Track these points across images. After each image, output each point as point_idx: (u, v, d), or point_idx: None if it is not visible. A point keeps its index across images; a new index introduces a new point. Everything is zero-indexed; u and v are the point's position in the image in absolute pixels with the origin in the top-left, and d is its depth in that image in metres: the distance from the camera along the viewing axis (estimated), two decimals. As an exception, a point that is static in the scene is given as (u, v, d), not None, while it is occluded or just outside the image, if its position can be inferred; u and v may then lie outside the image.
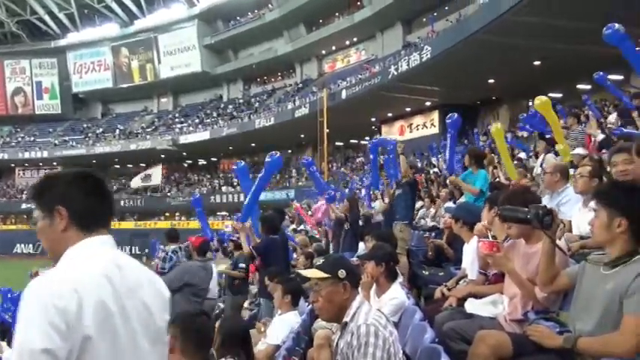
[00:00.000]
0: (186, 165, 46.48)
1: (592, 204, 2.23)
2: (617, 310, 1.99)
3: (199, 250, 6.13)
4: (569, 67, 18.49)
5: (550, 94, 22.71)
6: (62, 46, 49.12)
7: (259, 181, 5.96)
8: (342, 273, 2.35)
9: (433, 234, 6.98)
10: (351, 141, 36.46)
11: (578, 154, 6.69)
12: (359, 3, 33.69)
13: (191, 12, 44.01)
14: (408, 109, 29.25)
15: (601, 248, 2.23)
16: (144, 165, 46.87)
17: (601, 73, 8.45)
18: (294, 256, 9.47)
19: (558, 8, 14.83)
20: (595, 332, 2.07)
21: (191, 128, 41.62)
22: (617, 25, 5.42)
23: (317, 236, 11.99)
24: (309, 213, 16.10)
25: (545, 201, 4.68)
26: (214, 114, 43.46)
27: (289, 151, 40.77)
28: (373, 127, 32.21)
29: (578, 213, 3.94)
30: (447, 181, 11.20)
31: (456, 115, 7.03)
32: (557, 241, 2.48)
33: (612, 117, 12.03)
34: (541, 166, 7.36)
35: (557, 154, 7.60)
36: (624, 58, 5.53)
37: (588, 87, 21.08)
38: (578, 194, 4.07)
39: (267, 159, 5.85)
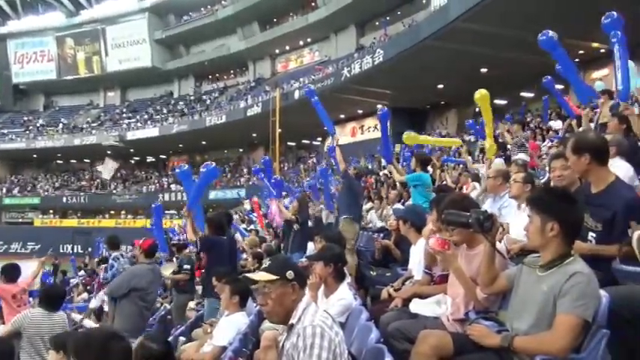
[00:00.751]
0: (133, 162, 45.37)
1: (526, 210, 2.32)
2: (552, 310, 2.09)
3: (148, 253, 5.97)
4: (513, 75, 19.22)
5: (496, 101, 23.62)
6: (2, 34, 46.78)
7: (195, 190, 5.84)
8: (290, 274, 2.35)
9: (381, 235, 7.07)
10: (303, 141, 36.56)
11: (521, 159, 6.95)
12: (313, 4, 33.82)
13: (142, 4, 42.95)
14: (360, 111, 29.60)
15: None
16: (88, 161, 45.42)
17: (549, 77, 8.74)
18: (244, 256, 9.42)
19: (502, 18, 15.43)
20: (531, 331, 2.16)
21: (139, 124, 40.60)
22: (551, 33, 5.67)
23: (265, 236, 11.97)
24: (262, 212, 16.05)
25: (488, 204, 4.86)
26: (164, 110, 42.62)
27: (240, 150, 40.49)
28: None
29: (513, 216, 4.11)
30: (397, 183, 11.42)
31: (385, 108, 7.27)
32: (497, 245, 2.58)
33: (555, 124, 12.61)
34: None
35: (506, 159, 7.84)
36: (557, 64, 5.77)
37: (531, 95, 22.00)
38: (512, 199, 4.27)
39: (202, 169, 5.75)
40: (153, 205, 11.06)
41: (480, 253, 2.62)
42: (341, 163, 7.28)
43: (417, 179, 6.33)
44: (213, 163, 6.20)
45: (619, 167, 3.63)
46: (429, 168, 7.74)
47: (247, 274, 2.52)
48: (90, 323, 6.92)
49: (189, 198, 5.86)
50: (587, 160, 2.77)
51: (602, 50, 17.91)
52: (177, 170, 6.09)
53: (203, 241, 5.67)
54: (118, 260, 6.03)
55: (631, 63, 6.54)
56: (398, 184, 11.11)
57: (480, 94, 6.60)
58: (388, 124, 7.50)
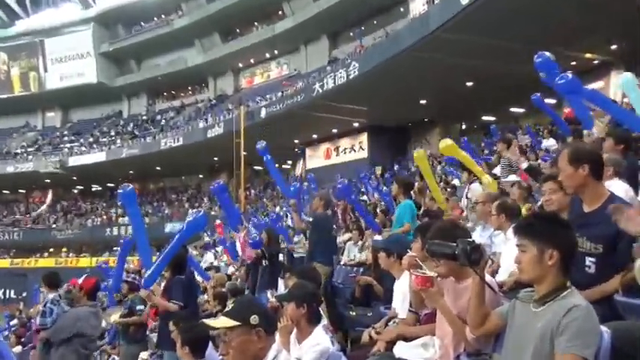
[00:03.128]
0: (76, 191, 44.75)
1: (515, 240, 2.35)
2: (549, 349, 2.10)
3: (91, 294, 5.83)
4: (501, 89, 19.71)
5: (484, 117, 24.16)
6: None
7: (175, 242, 5.69)
8: (254, 319, 2.32)
9: (361, 270, 7.09)
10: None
11: (511, 181, 7.09)
12: (280, 12, 34.28)
13: (86, 14, 42.91)
14: (334, 131, 29.84)
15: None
16: (23, 191, 44.46)
17: (538, 94, 9.05)
18: (205, 297, 9.26)
19: (487, 28, 15.86)
20: (528, 375, 2.17)
21: (83, 148, 40.17)
22: (547, 54, 5.85)
23: (231, 274, 11.83)
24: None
25: (477, 233, 4.93)
26: (112, 132, 42.25)
27: (200, 176, 40.24)
28: (296, 150, 32.53)
29: (505, 246, 4.18)
30: (377, 210, 11.47)
31: (264, 143, 7.47)
32: (488, 278, 2.61)
33: (547, 142, 12.93)
34: (466, 197, 7.70)
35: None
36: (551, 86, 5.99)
37: (522, 110, 22.58)
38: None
39: (189, 218, 5.69)
40: (121, 241, 10.84)
41: (469, 286, 2.63)
42: (298, 224, 7.48)
43: (407, 208, 6.36)
44: (202, 211, 6.12)
45: (618, 188, 3.71)
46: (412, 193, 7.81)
47: (206, 320, 2.49)
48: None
49: (145, 263, 5.65)
50: (585, 171, 2.80)
51: (596, 62, 18.56)
52: (119, 191, 5.77)
53: (176, 302, 5.48)
54: (57, 304, 5.81)
55: (629, 74, 6.83)
56: (379, 211, 11.17)
57: (445, 144, 7.04)
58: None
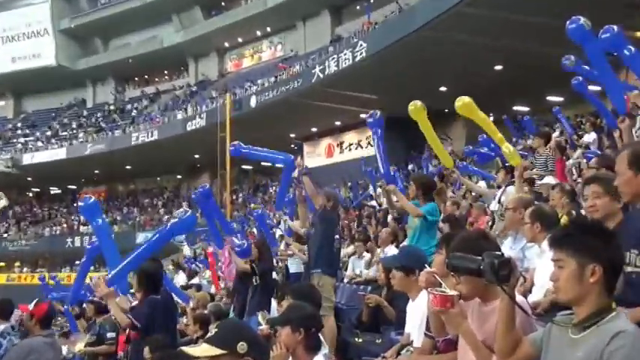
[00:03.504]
0: (31, 195, 44.93)
1: (550, 254, 2.36)
2: (592, 384, 2.12)
3: (44, 322, 5.81)
4: (536, 73, 19.67)
5: (516, 107, 24.17)
6: None
7: (152, 242, 5.71)
8: (241, 347, 2.33)
9: (369, 288, 7.11)
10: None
11: (547, 183, 7.10)
12: (273, -18, 34.31)
13: (43, -16, 42.97)
14: (337, 123, 29.84)
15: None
16: (-31, 195, 44.34)
17: (580, 78, 9.02)
18: (184, 320, 9.29)
19: (519, 1, 15.81)
20: (566, 413, 2.18)
21: (40, 144, 40.33)
22: (582, 20, 5.86)
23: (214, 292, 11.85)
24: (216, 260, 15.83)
25: (508, 245, 4.94)
26: (74, 124, 42.43)
27: (178, 176, 40.29)
28: (293, 146, 32.49)
29: (540, 260, 4.18)
30: (389, 218, 11.46)
31: (378, 112, 7.36)
32: (519, 299, 2.61)
33: (589, 137, 12.94)
34: (499, 201, 7.71)
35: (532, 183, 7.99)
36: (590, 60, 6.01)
37: (560, 99, 22.59)
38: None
39: (174, 219, 5.71)
40: (88, 246, 10.67)
41: (496, 308, 2.64)
42: (315, 199, 7.28)
43: (434, 211, 6.31)
44: (189, 212, 6.12)
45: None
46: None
47: (184, 348, 2.50)
48: None
49: (109, 260, 5.70)
50: None
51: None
52: (79, 203, 5.88)
53: (138, 319, 5.52)
54: (7, 337, 5.79)
55: None
56: (390, 219, 11.17)
57: (462, 102, 7.06)
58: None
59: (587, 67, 7.90)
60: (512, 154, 7.25)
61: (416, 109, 7.39)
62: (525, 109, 23.23)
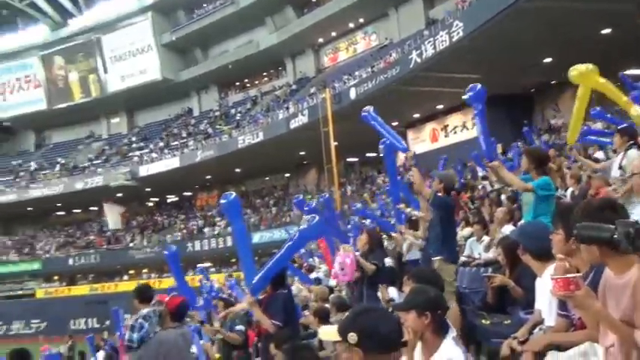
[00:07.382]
0: (151, 204, 46.63)
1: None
2: None
3: (176, 315, 6.03)
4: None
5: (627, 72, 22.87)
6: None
7: (286, 251, 5.83)
8: (352, 337, 2.31)
9: (490, 269, 6.94)
10: (368, 155, 36.50)
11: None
12: (362, -29, 34.13)
13: (142, 3, 44.70)
14: (440, 107, 29.41)
15: None
16: (95, 209, 46.69)
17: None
18: (305, 313, 9.42)
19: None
20: None
21: (154, 155, 41.78)
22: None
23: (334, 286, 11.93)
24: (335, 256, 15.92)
25: (638, 212, 4.69)
26: (183, 134, 43.82)
27: (286, 175, 40.83)
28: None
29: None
30: (502, 197, 11.17)
31: (478, 85, 7.00)
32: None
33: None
34: (620, 167, 7.31)
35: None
36: None
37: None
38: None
39: (303, 226, 5.85)
40: (165, 252, 11.09)
41: (631, 280, 2.48)
42: (421, 187, 7.20)
43: (547, 186, 6.07)
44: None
45: None
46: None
47: (316, 330, 2.52)
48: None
49: (247, 272, 5.89)
50: None
51: None
52: (222, 200, 6.10)
53: (280, 319, 5.63)
54: (150, 319, 6.01)
55: None
56: (504, 197, 10.88)
57: (578, 71, 6.62)
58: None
59: None
60: (638, 117, 6.82)
61: (580, 74, 6.77)
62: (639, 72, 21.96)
